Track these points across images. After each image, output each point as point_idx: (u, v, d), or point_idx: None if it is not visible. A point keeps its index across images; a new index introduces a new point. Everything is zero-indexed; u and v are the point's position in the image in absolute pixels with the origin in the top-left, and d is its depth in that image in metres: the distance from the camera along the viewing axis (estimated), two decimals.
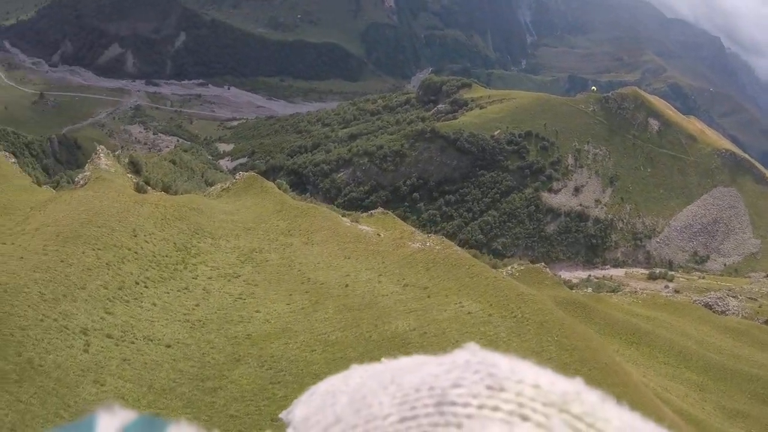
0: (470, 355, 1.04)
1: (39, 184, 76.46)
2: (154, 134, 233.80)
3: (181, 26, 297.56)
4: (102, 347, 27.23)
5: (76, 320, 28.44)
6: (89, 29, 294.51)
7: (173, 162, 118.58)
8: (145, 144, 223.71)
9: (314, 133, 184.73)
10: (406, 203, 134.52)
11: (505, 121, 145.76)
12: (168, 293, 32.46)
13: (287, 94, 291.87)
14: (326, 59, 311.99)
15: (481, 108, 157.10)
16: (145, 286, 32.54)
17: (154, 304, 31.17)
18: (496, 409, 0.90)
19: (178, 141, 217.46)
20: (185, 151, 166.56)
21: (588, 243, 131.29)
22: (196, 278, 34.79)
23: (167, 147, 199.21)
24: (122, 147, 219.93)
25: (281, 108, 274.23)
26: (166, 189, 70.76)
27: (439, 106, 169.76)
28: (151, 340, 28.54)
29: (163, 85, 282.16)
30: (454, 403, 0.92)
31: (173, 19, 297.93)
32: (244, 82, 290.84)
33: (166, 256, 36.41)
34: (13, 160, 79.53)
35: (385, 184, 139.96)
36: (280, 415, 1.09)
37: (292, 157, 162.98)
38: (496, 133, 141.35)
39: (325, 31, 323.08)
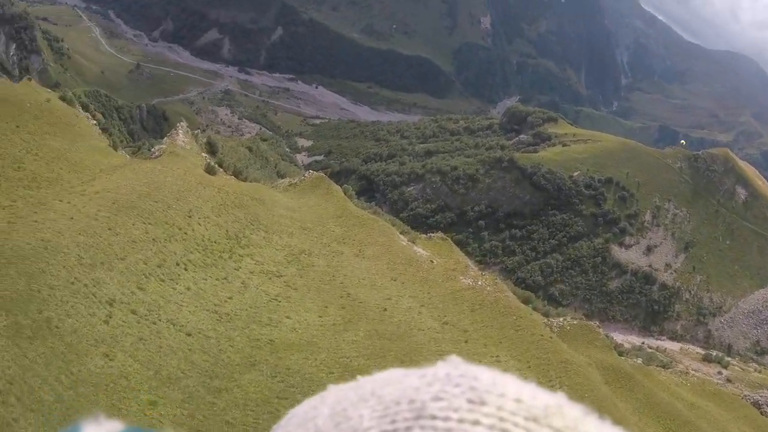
0: (452, 368, 1.03)
1: (115, 147, 79.05)
2: (239, 119, 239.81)
3: (279, 21, 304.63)
4: (123, 321, 26.54)
5: (106, 290, 27.91)
6: (191, 12, 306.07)
7: (249, 149, 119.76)
8: (229, 127, 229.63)
9: (392, 143, 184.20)
10: (470, 229, 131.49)
11: (587, 163, 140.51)
12: (205, 280, 31.66)
13: (372, 101, 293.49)
14: (415, 72, 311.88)
15: (563, 145, 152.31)
16: (185, 269, 31.86)
17: (188, 288, 30.39)
18: (476, 423, 0.90)
19: (260, 129, 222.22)
20: (264, 140, 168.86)
21: (649, 308, 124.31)
22: (238, 270, 33.91)
23: (249, 133, 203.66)
24: (207, 126, 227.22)
25: (364, 113, 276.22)
26: (237, 174, 71.21)
27: (521, 136, 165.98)
28: (174, 325, 27.70)
29: (254, 75, 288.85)
30: (434, 417, 0.92)
31: (272, 13, 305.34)
32: (332, 83, 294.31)
33: (215, 242, 35.74)
34: (94, 121, 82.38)
35: (453, 206, 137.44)
36: None
37: (366, 163, 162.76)
38: (575, 174, 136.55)
39: (418, 44, 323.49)
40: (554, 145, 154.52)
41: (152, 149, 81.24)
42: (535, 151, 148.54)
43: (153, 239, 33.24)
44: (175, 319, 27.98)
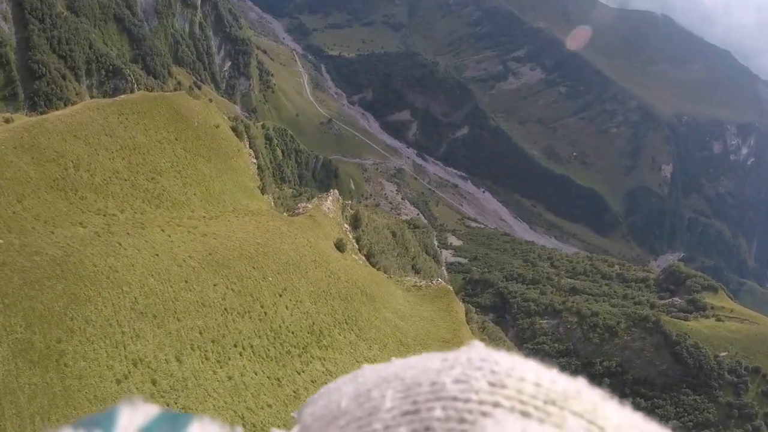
0: (474, 353, 1.05)
1: (264, 190, 79.46)
2: (402, 199, 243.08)
3: (468, 120, 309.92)
4: (136, 388, 22.29)
5: (141, 346, 24.09)
6: (392, 89, 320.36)
7: (394, 233, 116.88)
8: (390, 203, 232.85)
9: (539, 268, 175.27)
10: (592, 384, 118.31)
11: (737, 345, 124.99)
12: (255, 374, 26.86)
13: (533, 220, 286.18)
14: (583, 203, 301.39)
15: (717, 320, 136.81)
16: (240, 353, 27.39)
17: (230, 378, 25.74)
18: (497, 405, 0.91)
19: (417, 214, 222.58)
20: (416, 227, 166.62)
21: None
22: (300, 373, 28.86)
23: (406, 215, 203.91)
24: (371, 195, 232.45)
25: (521, 230, 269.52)
26: (369, 256, 67.87)
27: (675, 299, 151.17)
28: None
29: (430, 162, 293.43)
30: (455, 398, 0.94)
31: (464, 111, 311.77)
32: (499, 191, 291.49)
33: (292, 333, 31.22)
34: (254, 160, 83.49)
35: (582, 353, 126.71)
36: (293, 414, 1.08)
37: (506, 281, 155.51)
38: (722, 354, 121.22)
39: (593, 176, 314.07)
40: (708, 317, 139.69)
41: (299, 205, 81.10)
42: (686, 319, 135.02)
43: (225, 309, 29.32)
44: (192, 408, 23.12)
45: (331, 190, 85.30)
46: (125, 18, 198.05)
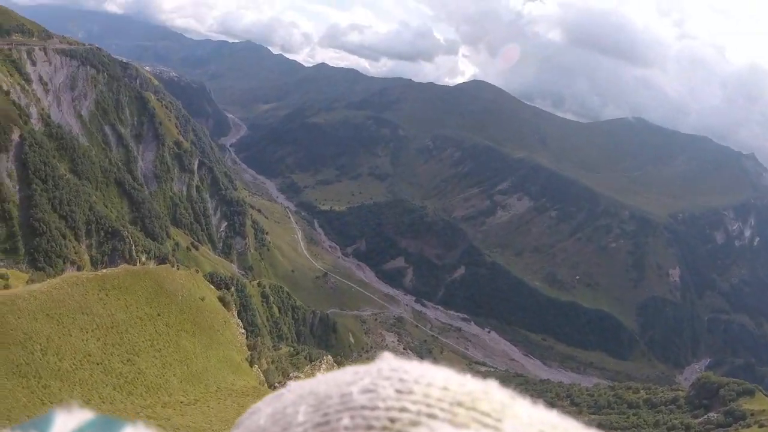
0: (384, 364, 1.11)
1: (252, 362, 76.01)
2: (404, 349, 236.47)
3: (463, 260, 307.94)
4: None
5: None
6: (384, 237, 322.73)
7: None
8: (393, 354, 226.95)
9: (559, 409, 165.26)
10: None
11: None
12: None
13: (545, 356, 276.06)
14: (595, 327, 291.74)
15: (760, 426, 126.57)
16: None
17: None
18: (403, 410, 0.95)
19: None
20: None
21: None
22: None
23: None
24: (371, 347, 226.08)
25: (535, 368, 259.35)
26: None
27: (711, 414, 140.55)
28: None
29: (429, 308, 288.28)
30: (363, 407, 0.98)
31: (458, 252, 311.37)
32: (506, 329, 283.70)
33: None
34: (242, 330, 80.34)
35: None
36: None
37: None
38: None
39: (601, 296, 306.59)
40: (749, 426, 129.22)
41: (289, 375, 77.22)
42: None
43: None
44: None
45: (325, 356, 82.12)
46: (126, 182, 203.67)
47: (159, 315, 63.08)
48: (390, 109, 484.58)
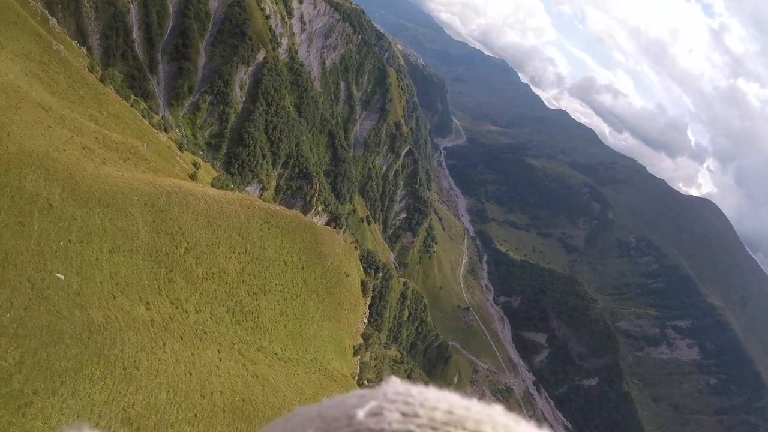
0: (390, 387, 1.14)
1: (356, 352, 75.38)
2: None
3: (601, 373, 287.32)
4: None
5: None
6: (539, 307, 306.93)
7: None
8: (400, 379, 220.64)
9: None
10: None
11: None
12: None
13: None
14: None
15: None
16: None
17: None
18: None
19: None
20: None
21: None
22: None
23: None
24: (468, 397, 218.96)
25: None
26: None
27: None
28: None
29: (542, 397, 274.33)
30: (369, 430, 1.01)
31: (600, 363, 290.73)
32: None
33: None
34: None
35: None
36: None
37: None
38: None
39: None
40: None
41: (382, 378, 75.60)
42: None
43: None
44: None
45: (423, 381, 79.25)
46: (337, 137, 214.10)
47: (302, 269, 64.63)
48: (610, 186, 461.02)
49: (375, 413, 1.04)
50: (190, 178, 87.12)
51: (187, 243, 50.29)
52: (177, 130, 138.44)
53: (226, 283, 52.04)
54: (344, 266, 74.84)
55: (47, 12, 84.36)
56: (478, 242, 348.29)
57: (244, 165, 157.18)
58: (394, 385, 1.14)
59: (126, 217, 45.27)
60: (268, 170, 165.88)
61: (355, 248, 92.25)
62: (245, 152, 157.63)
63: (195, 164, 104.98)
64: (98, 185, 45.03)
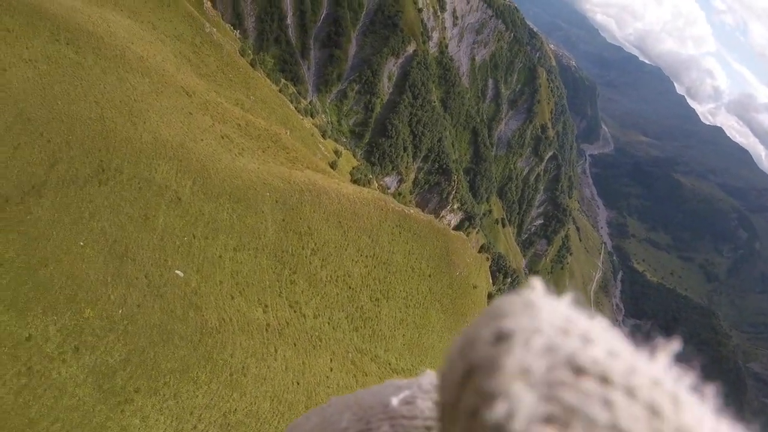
0: (424, 379, 1.18)
1: None
2: None
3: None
4: None
5: None
6: (670, 334, 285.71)
7: None
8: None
9: None
10: None
11: None
12: None
13: None
14: None
15: None
16: None
17: None
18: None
19: None
20: None
21: None
22: None
23: None
24: None
25: None
26: None
27: None
28: None
29: None
30: (403, 417, 1.06)
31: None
32: None
33: None
34: None
35: None
36: None
37: None
38: None
39: None
40: None
41: None
42: None
43: None
44: None
45: None
46: (480, 135, 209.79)
47: (429, 276, 61.86)
48: (761, 215, 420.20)
49: (408, 402, 1.09)
50: (330, 166, 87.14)
51: (315, 244, 48.97)
52: (323, 116, 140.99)
53: (350, 288, 50.31)
54: (473, 277, 71.20)
55: None
56: (614, 258, 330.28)
57: (385, 155, 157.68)
58: (429, 376, 1.19)
59: (255, 214, 44.54)
60: (408, 163, 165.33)
61: (487, 259, 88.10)
62: (387, 143, 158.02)
63: (336, 152, 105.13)
64: (231, 179, 44.61)
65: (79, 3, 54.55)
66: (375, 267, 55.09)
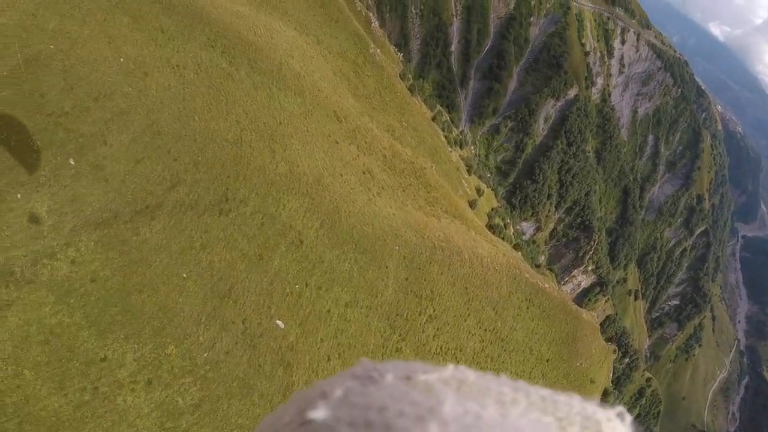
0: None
1: None
2: None
3: None
4: None
5: None
6: None
7: None
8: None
9: None
10: None
11: None
12: None
13: None
14: None
15: None
16: None
17: None
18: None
19: None
20: None
21: None
22: None
23: None
24: None
25: None
26: None
27: None
28: None
29: None
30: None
31: None
32: None
33: None
34: None
35: None
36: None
37: None
38: None
39: None
40: None
41: None
42: None
43: None
44: None
45: None
46: (631, 195, 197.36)
47: (547, 361, 54.81)
48: None
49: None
50: (470, 204, 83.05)
51: (434, 310, 44.23)
52: (472, 147, 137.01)
53: (458, 362, 45.08)
54: (594, 370, 63.38)
55: (372, 14, 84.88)
56: (744, 359, 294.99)
57: (527, 199, 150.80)
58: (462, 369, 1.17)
59: (378, 269, 40.55)
60: (549, 211, 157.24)
61: (614, 351, 79.26)
62: (532, 187, 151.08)
63: (478, 190, 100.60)
64: (361, 226, 40.88)
65: (246, 9, 53.22)
66: (491, 343, 49.52)
